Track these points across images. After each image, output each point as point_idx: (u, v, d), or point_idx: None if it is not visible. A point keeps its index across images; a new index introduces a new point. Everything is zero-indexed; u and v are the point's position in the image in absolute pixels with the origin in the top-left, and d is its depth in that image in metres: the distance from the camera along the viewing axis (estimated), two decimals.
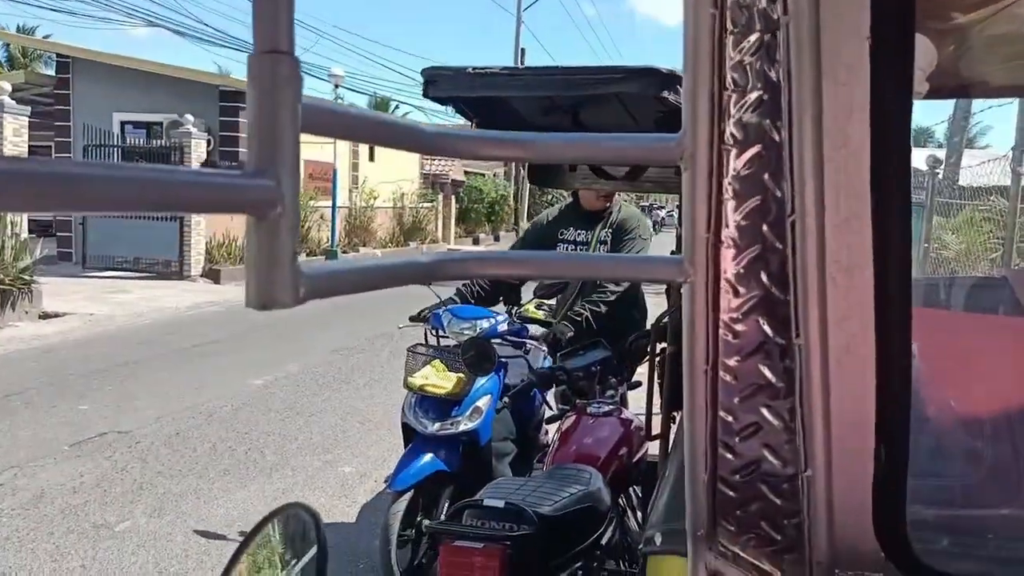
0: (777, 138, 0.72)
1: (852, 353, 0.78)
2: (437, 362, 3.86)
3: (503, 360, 4.07)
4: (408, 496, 3.57)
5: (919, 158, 10.48)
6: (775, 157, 0.72)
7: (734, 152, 0.74)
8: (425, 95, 2.20)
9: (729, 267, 0.78)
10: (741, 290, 0.79)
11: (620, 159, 0.73)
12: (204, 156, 14.26)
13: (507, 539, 2.10)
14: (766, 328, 0.80)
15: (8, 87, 11.72)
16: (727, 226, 0.77)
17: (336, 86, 16.92)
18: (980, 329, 1.41)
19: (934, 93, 1.84)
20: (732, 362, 0.83)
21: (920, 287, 1.89)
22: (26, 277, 9.93)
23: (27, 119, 11.81)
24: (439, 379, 3.76)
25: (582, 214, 4.18)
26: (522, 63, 29.45)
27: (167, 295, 12.18)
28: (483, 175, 29.78)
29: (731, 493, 0.88)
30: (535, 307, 4.80)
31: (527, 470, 4.14)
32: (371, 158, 21.41)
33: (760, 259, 0.77)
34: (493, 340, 3.97)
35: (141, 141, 14.99)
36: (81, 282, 12.86)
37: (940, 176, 10.61)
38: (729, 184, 0.75)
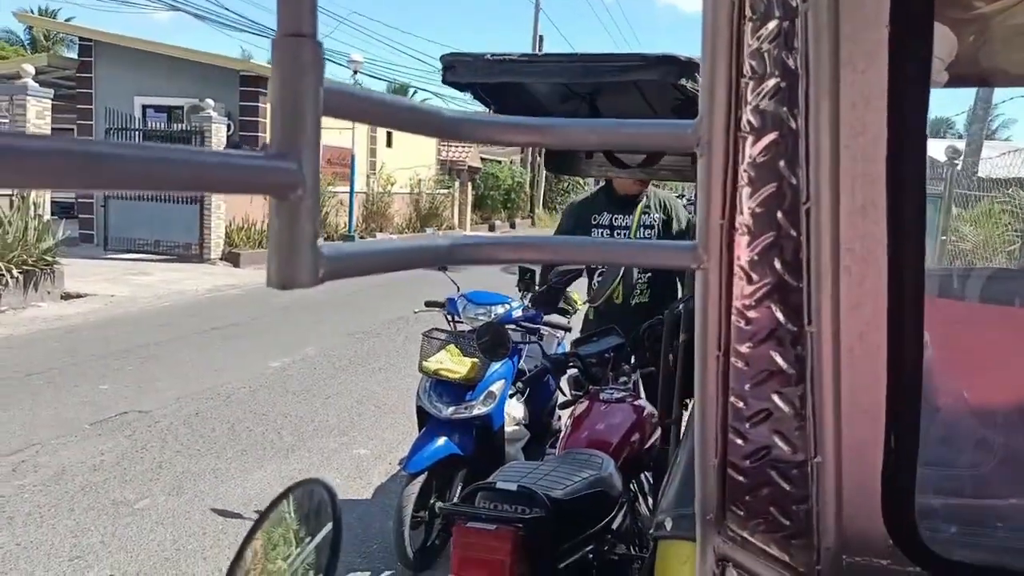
0: (794, 126, 0.72)
1: (864, 341, 0.79)
2: (452, 347, 3.89)
3: (518, 346, 4.09)
4: (422, 478, 3.61)
5: (938, 148, 10.38)
6: (791, 145, 0.73)
7: (750, 139, 0.74)
8: (444, 81, 2.21)
9: (743, 254, 0.79)
10: (754, 277, 0.80)
11: (637, 145, 0.74)
12: (224, 141, 14.33)
13: (519, 521, 2.12)
14: (779, 315, 0.81)
15: (32, 70, 11.82)
16: (742, 213, 0.77)
17: (355, 72, 16.93)
18: (994, 320, 1.41)
19: (955, 82, 1.83)
20: (744, 348, 0.83)
21: (936, 277, 1.89)
22: (48, 258, 10.05)
23: (50, 102, 11.91)
24: (454, 364, 3.79)
25: (616, 199, 4.15)
26: (540, 50, 29.32)
27: (187, 278, 12.29)
28: (499, 162, 29.74)
29: (741, 478, 0.89)
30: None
31: (540, 455, 4.17)
32: (388, 144, 21.44)
33: (774, 246, 0.78)
34: (508, 326, 4.00)
35: (162, 125, 15.09)
36: (103, 264, 13.00)
37: (959, 167, 10.50)
38: (744, 171, 0.76)
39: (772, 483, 0.87)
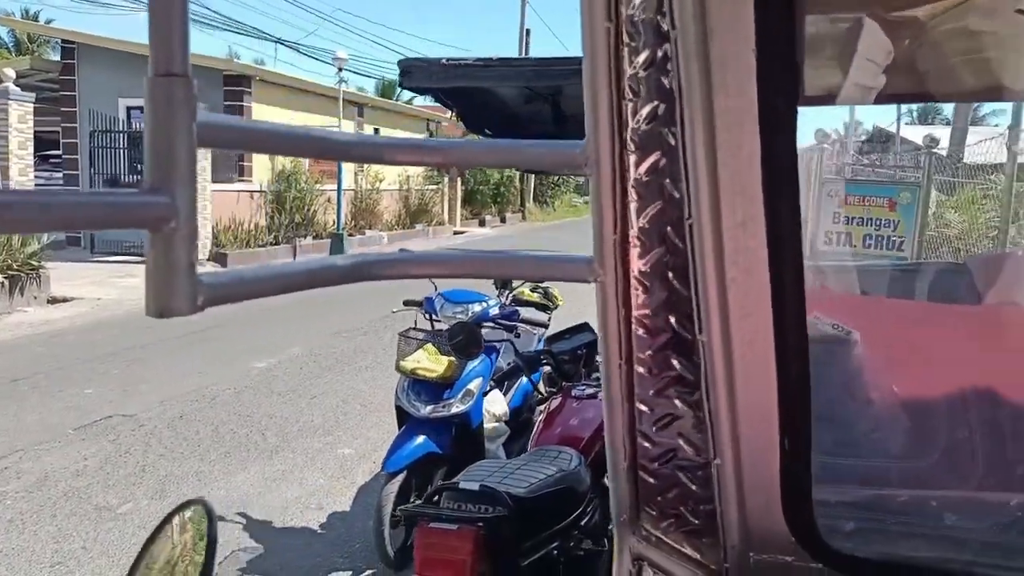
0: (674, 145, 0.75)
1: (753, 349, 0.82)
2: (430, 346, 3.91)
3: (495, 344, 4.12)
4: (401, 477, 3.64)
5: (917, 135, 10.42)
6: (673, 163, 0.76)
7: (635, 158, 0.77)
8: (401, 86, 2.23)
9: (637, 266, 0.82)
10: (649, 288, 0.83)
11: (534, 164, 0.76)
12: None
13: (480, 521, 2.15)
14: (674, 324, 0.84)
15: (12, 74, 11.77)
16: (632, 228, 0.80)
17: (340, 69, 16.89)
18: (925, 317, 1.45)
19: (894, 97, 1.85)
20: (645, 356, 0.86)
21: (885, 274, 1.92)
22: (34, 262, 10.04)
23: (32, 105, 11.86)
24: (431, 363, 3.81)
25: None
26: (527, 44, 29.28)
27: None
28: None
29: (651, 480, 0.92)
30: (530, 290, 4.85)
31: (521, 451, 4.20)
32: None
33: (664, 259, 0.81)
34: (485, 324, 4.02)
35: None
36: (89, 267, 12.98)
37: (945, 154, 10.54)
38: (632, 188, 0.78)
39: (680, 484, 0.90)
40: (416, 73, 2.19)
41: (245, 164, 16.06)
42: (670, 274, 0.81)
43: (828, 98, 1.52)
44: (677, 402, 0.87)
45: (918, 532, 1.00)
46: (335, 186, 17.19)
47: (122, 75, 15.28)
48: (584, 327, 3.41)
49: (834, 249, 7.51)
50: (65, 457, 5.01)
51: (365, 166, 20.48)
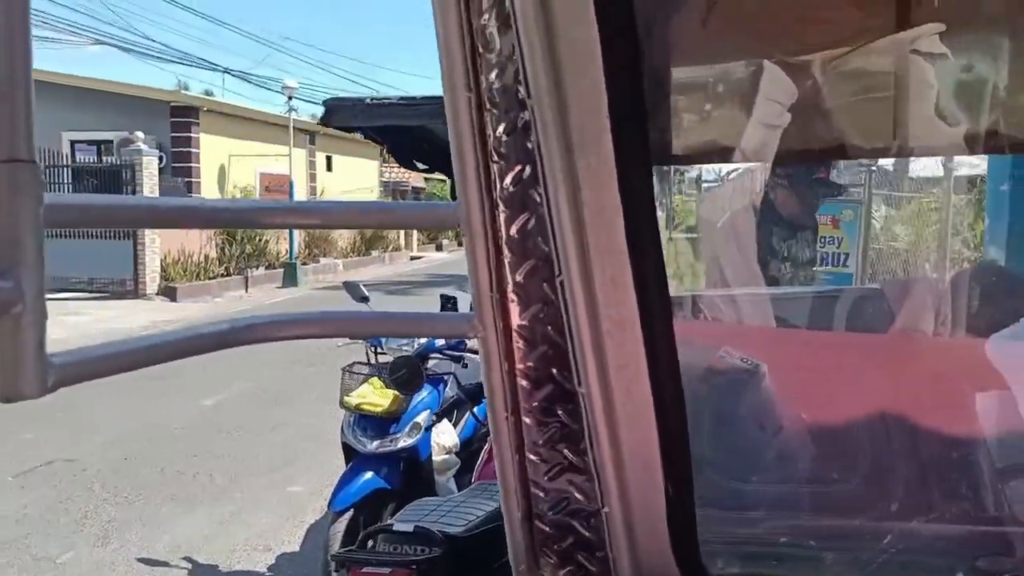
0: (541, 206, 0.76)
1: (632, 399, 0.83)
2: (375, 380, 3.88)
3: (443, 375, 4.10)
4: (349, 516, 3.58)
5: None
6: (541, 223, 0.77)
7: (505, 217, 0.78)
8: (326, 125, 2.23)
9: (516, 321, 0.82)
10: (530, 342, 0.83)
11: (411, 224, 0.76)
12: (156, 173, 14.10)
13: (414, 563, 2.12)
14: (557, 376, 0.85)
15: None
16: (509, 284, 0.81)
17: (289, 98, 16.83)
18: (832, 346, 1.48)
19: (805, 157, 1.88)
20: (531, 407, 0.87)
21: (805, 301, 1.96)
22: None
23: None
24: (377, 397, 3.78)
25: None
26: None
27: (123, 315, 12.03)
28: (444, 181, 29.73)
29: (547, 529, 0.92)
30: None
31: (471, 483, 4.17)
32: (328, 168, 21.33)
33: (542, 314, 0.81)
34: (433, 355, 4.00)
35: (92, 159, 14.80)
36: None
37: (892, 168, 10.79)
38: (506, 246, 0.79)
39: (575, 532, 0.91)
40: (341, 112, 2.19)
41: (193, 195, 15.86)
42: (549, 328, 0.82)
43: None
44: (565, 452, 0.88)
45: (809, 557, 1.02)
46: None
47: (64, 108, 15.02)
48: None
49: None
50: (5, 506, 4.84)
51: (318, 193, 20.38)
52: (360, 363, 4.08)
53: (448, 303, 4.49)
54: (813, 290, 2.10)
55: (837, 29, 1.40)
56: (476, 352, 4.22)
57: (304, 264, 17.80)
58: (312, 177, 20.63)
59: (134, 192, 13.70)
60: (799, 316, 1.86)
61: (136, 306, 13.05)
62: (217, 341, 0.77)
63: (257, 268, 16.34)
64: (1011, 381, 1.35)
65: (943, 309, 1.42)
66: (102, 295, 13.90)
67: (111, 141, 15.09)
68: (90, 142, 15.45)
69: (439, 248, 26.91)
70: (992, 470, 1.27)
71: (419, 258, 24.48)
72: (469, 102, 0.73)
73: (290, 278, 16.30)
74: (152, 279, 14.11)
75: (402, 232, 25.29)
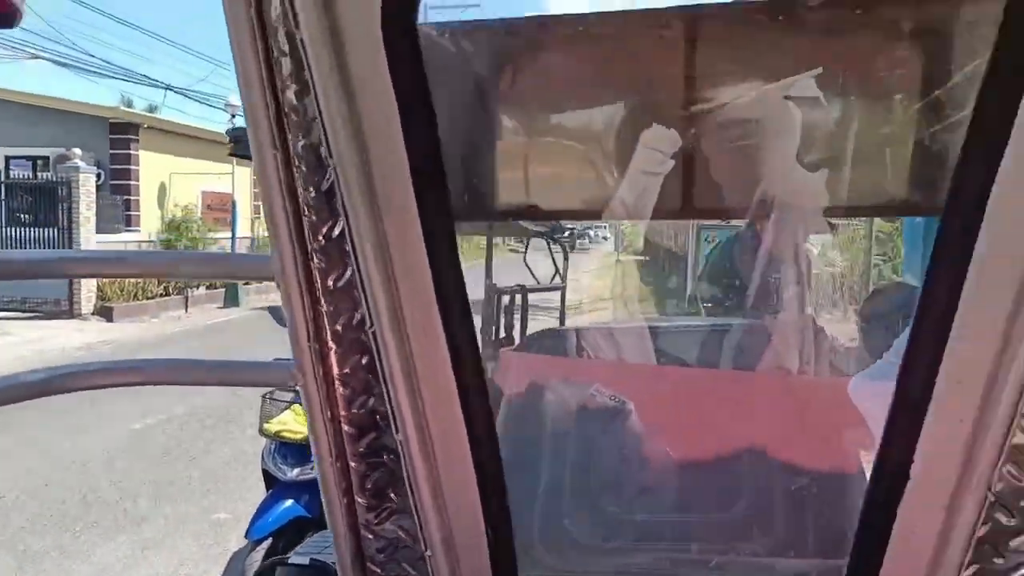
0: (352, 263, 0.79)
1: (448, 446, 0.86)
2: (297, 407, 3.85)
3: None
4: (267, 544, 3.55)
5: None
6: (354, 278, 0.80)
7: (321, 270, 0.81)
8: (231, 155, 2.23)
9: (335, 370, 0.85)
10: (350, 391, 0.86)
11: (231, 274, 0.79)
12: (93, 191, 13.80)
13: None
14: (379, 422, 0.88)
15: None
16: (327, 334, 0.84)
17: (232, 116, 16.65)
18: (698, 383, 1.53)
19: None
20: (358, 452, 0.90)
21: (696, 334, 2.02)
22: None
23: None
24: (297, 424, 3.75)
25: None
26: None
27: (55, 335, 11.70)
28: None
29: (378, 571, 0.95)
30: None
31: None
32: None
33: (360, 363, 0.84)
34: None
35: (27, 175, 14.43)
36: None
37: None
38: (322, 296, 0.82)
39: (406, 573, 0.93)
40: (246, 141, 2.19)
41: (132, 213, 15.55)
42: (369, 376, 0.85)
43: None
44: (392, 495, 0.90)
45: None
46: (229, 234, 16.82)
47: (0, 123, 14.65)
48: None
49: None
50: None
51: (263, 211, 20.12)
52: (282, 389, 4.05)
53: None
54: (709, 323, 2.16)
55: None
56: None
57: (247, 284, 17.52)
58: (256, 196, 20.38)
59: (70, 209, 13.39)
60: (687, 350, 1.92)
61: (69, 326, 12.70)
62: (40, 389, 0.79)
63: (197, 288, 16.05)
64: (869, 419, 1.42)
65: (807, 349, 1.48)
66: (36, 315, 13.51)
67: (48, 157, 14.74)
68: (26, 158, 15.06)
69: None
70: (843, 505, 1.33)
71: None
72: (275, 159, 0.76)
73: (231, 298, 16.04)
74: (88, 299, 13.75)
75: None
